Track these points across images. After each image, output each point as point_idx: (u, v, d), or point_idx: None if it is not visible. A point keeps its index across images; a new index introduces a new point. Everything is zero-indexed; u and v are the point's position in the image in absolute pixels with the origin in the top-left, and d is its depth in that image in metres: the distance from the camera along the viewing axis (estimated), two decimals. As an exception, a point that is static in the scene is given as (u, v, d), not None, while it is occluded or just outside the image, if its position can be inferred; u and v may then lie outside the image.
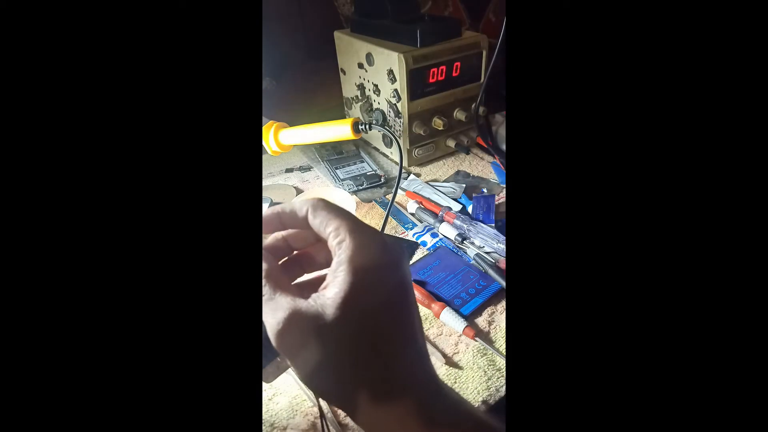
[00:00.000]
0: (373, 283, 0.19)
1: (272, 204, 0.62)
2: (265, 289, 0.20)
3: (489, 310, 0.45)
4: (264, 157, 0.69)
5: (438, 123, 0.67)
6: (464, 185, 0.65)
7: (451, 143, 0.71)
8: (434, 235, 0.55)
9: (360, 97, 0.73)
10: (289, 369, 0.24)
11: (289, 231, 0.24)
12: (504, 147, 0.72)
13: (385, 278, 0.20)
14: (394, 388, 0.19)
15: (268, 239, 0.23)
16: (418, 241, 0.55)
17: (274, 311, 0.19)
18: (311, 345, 0.19)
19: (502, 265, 0.49)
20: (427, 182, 0.67)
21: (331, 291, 0.19)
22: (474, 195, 0.61)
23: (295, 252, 0.25)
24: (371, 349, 0.19)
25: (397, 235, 0.57)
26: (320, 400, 0.37)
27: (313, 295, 0.20)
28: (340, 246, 0.20)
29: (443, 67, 0.64)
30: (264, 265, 0.21)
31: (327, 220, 0.21)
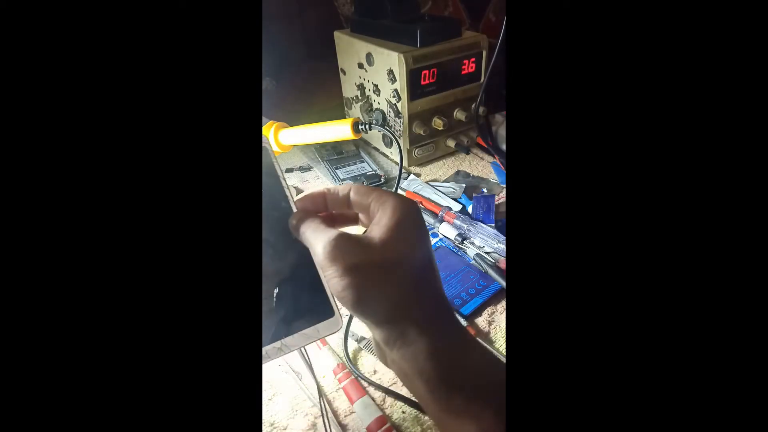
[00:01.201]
0: (411, 234, 0.23)
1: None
2: (316, 223, 0.24)
3: (489, 310, 0.45)
4: (264, 157, 0.69)
5: (438, 123, 0.67)
6: (464, 185, 0.65)
7: (451, 143, 0.71)
8: (434, 235, 0.55)
9: (360, 97, 0.73)
10: (288, 353, 0.25)
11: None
12: (504, 147, 0.72)
13: (420, 234, 0.23)
14: (428, 322, 0.22)
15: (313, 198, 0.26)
16: (418, 241, 0.55)
17: (325, 234, 0.23)
18: (356, 263, 0.22)
19: (502, 265, 0.49)
20: (427, 182, 0.67)
21: (375, 232, 0.23)
22: (474, 195, 0.61)
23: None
24: (408, 283, 0.22)
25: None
26: (321, 399, 0.37)
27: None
28: (384, 204, 0.23)
29: (443, 67, 0.64)
30: (311, 207, 0.26)
31: (369, 192, 0.25)
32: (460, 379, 0.21)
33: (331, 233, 0.23)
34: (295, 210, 0.26)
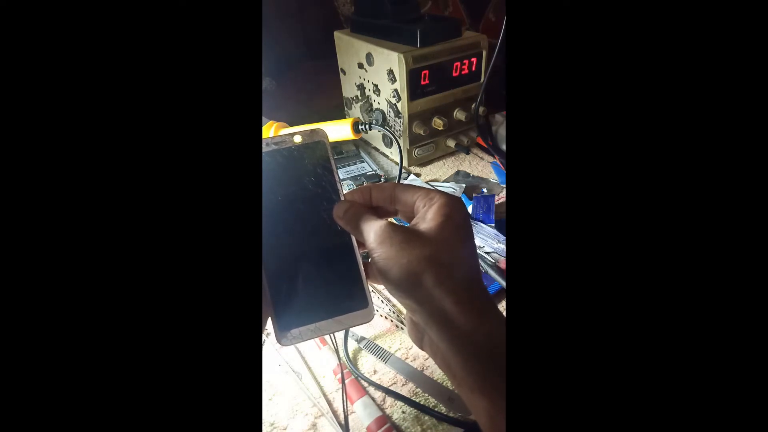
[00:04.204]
0: (457, 230, 0.24)
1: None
2: (368, 214, 0.26)
3: (489, 310, 0.45)
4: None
5: (438, 123, 0.67)
6: (464, 185, 0.65)
7: (451, 143, 0.71)
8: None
9: (360, 97, 0.73)
10: (319, 336, 0.27)
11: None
12: (504, 147, 0.72)
13: (466, 231, 0.25)
14: (471, 306, 0.23)
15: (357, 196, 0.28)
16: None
17: (376, 222, 0.25)
18: (404, 246, 0.23)
19: (502, 265, 0.49)
20: (427, 182, 0.67)
21: (421, 225, 0.24)
22: (474, 195, 0.61)
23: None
24: (452, 270, 0.23)
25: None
26: (321, 399, 0.37)
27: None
28: (431, 201, 0.25)
29: (443, 68, 0.64)
30: (359, 200, 0.27)
31: (415, 189, 0.26)
32: (499, 359, 0.22)
33: (383, 221, 0.25)
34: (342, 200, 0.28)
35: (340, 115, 0.81)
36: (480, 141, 0.74)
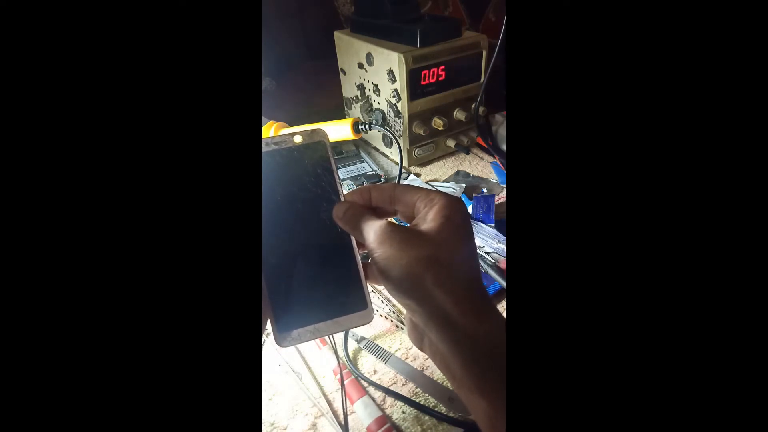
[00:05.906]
0: (457, 230, 0.24)
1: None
2: (367, 214, 0.26)
3: (489, 310, 0.45)
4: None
5: (438, 123, 0.67)
6: (464, 185, 0.65)
7: (451, 143, 0.71)
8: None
9: (360, 97, 0.73)
10: (318, 338, 0.27)
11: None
12: (504, 147, 0.72)
13: (466, 232, 0.25)
14: (470, 308, 0.23)
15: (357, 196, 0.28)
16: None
17: (376, 222, 0.25)
18: (404, 246, 0.23)
19: (502, 265, 0.49)
20: (427, 182, 0.67)
21: (422, 226, 0.24)
22: (474, 195, 0.61)
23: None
24: (452, 271, 0.23)
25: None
26: (321, 399, 0.37)
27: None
28: (432, 201, 0.25)
29: (443, 67, 0.64)
30: (359, 201, 0.27)
31: (415, 189, 0.26)
32: (498, 360, 0.22)
33: (383, 221, 0.25)
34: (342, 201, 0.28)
35: (340, 115, 0.81)
36: (480, 141, 0.74)
